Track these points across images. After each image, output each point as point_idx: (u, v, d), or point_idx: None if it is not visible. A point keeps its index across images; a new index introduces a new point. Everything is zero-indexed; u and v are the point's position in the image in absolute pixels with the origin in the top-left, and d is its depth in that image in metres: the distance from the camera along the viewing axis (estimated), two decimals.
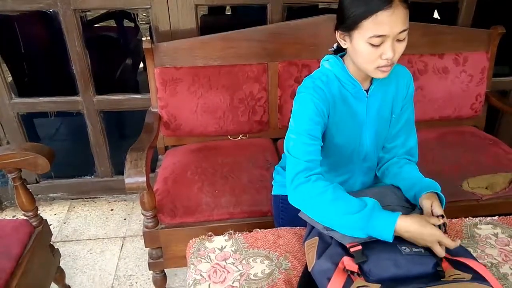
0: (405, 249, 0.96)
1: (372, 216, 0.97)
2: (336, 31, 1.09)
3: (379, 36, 0.98)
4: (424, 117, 1.97)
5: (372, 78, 1.13)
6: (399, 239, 1.00)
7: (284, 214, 1.38)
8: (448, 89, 1.94)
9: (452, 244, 0.95)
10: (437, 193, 1.09)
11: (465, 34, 1.93)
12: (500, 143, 1.92)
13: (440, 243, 0.95)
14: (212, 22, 2.63)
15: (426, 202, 1.05)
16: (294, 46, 1.80)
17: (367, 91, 1.15)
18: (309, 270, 1.03)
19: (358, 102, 1.16)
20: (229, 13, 2.97)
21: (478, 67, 1.94)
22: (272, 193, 1.45)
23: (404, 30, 0.99)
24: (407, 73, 1.21)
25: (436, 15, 2.77)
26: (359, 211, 0.98)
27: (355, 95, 1.15)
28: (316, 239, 1.07)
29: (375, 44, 1.00)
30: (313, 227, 1.11)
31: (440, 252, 0.95)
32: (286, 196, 1.15)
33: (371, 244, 0.98)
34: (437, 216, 1.01)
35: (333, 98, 1.13)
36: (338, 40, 1.10)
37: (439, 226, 0.98)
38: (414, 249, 0.96)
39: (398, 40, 1.01)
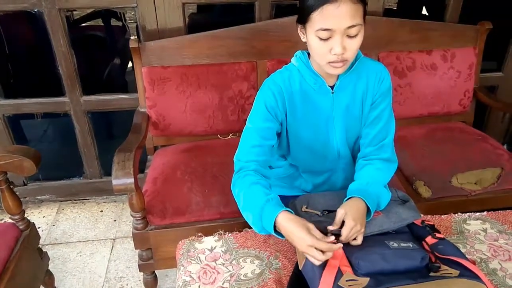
0: (393, 244, 0.98)
1: (263, 210, 1.02)
2: (297, 25, 1.10)
3: (325, 30, 0.99)
4: (413, 113, 1.98)
5: (339, 74, 1.13)
6: (386, 235, 1.00)
7: None
8: (436, 85, 1.95)
9: (334, 247, 0.95)
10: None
11: (452, 30, 1.94)
12: (489, 139, 1.93)
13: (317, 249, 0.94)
14: (201, 20, 2.61)
15: (340, 212, 1.03)
16: (282, 44, 1.79)
17: (333, 87, 1.15)
18: (300, 268, 1.03)
19: (322, 97, 1.16)
20: (218, 11, 2.95)
21: (466, 63, 1.95)
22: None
23: (353, 26, 0.98)
24: (382, 70, 1.19)
25: (424, 11, 2.79)
26: (255, 207, 1.04)
27: (317, 90, 1.15)
28: None
29: (323, 37, 1.00)
30: None
31: (316, 257, 0.93)
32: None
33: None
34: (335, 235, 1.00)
35: (291, 93, 1.15)
36: (299, 34, 1.10)
37: (336, 235, 0.99)
38: (402, 244, 0.98)
39: (349, 36, 1.00)
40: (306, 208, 1.12)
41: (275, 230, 1.01)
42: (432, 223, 1.11)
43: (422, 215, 1.18)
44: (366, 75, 1.17)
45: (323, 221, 1.05)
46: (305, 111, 1.17)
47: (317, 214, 1.09)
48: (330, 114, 1.18)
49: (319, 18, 0.98)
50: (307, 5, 1.00)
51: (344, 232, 0.99)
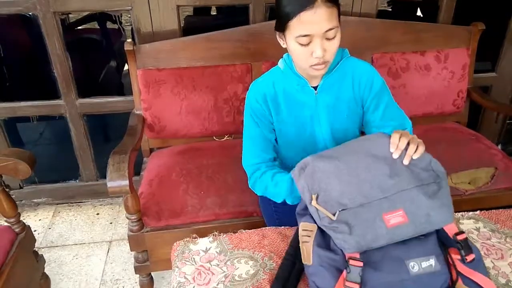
0: (413, 266, 0.87)
1: (293, 183, 1.10)
2: (275, 32, 1.14)
3: (305, 36, 1.03)
4: (407, 114, 1.93)
5: (323, 75, 1.17)
6: (408, 246, 0.89)
7: (279, 214, 1.37)
8: (430, 86, 1.96)
9: None
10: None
11: (446, 31, 1.96)
12: (482, 138, 1.94)
13: None
14: (196, 23, 2.62)
15: None
16: (276, 46, 1.77)
17: (316, 87, 1.19)
18: (303, 263, 0.95)
19: (306, 97, 1.20)
20: (214, 14, 2.96)
21: (459, 64, 1.96)
22: (258, 195, 1.44)
23: (331, 29, 1.03)
24: (368, 69, 1.22)
25: (419, 13, 2.80)
26: (283, 185, 1.16)
27: (300, 90, 1.19)
28: (314, 226, 0.94)
29: (303, 43, 1.05)
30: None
31: None
32: None
33: (375, 259, 0.88)
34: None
35: (275, 96, 1.20)
36: (278, 40, 1.14)
37: None
38: (423, 264, 0.87)
39: (328, 39, 1.05)
40: (317, 200, 0.92)
41: None
42: (465, 238, 0.91)
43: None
44: (352, 76, 1.20)
45: (336, 229, 0.88)
46: (289, 110, 1.21)
47: (330, 218, 0.89)
48: (314, 111, 1.21)
49: (297, 25, 1.02)
50: (284, 13, 1.04)
51: (393, 139, 0.97)
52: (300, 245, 0.96)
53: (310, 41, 1.03)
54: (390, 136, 0.99)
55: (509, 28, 2.11)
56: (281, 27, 1.07)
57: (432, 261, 0.87)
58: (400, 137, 0.97)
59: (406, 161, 0.95)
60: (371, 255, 0.88)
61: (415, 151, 0.96)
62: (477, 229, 1.26)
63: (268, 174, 1.21)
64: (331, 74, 1.17)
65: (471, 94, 2.04)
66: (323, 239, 0.94)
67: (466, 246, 0.89)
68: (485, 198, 1.65)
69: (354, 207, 0.90)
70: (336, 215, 0.89)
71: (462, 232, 0.91)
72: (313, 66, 1.08)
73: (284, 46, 1.13)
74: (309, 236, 0.94)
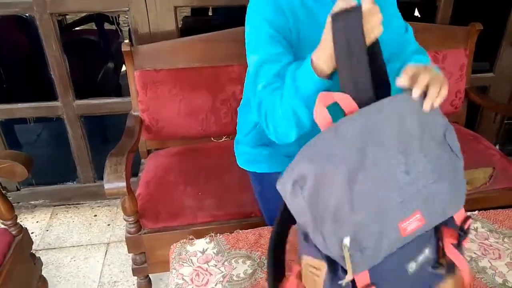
0: (412, 267, 0.78)
1: (296, 78, 0.87)
2: None
3: None
4: None
5: None
6: (404, 252, 0.76)
7: (269, 188, 1.28)
8: None
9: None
10: None
11: (443, 32, 1.96)
12: (480, 139, 1.95)
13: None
14: (194, 23, 2.62)
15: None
16: None
17: None
18: None
19: (322, 10, 0.97)
20: (211, 14, 2.96)
21: (457, 64, 1.96)
22: (248, 170, 1.31)
23: None
24: None
25: (416, 13, 2.81)
26: (292, 83, 0.88)
27: (320, 1, 0.98)
28: (323, 265, 0.75)
29: None
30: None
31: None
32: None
33: (384, 276, 0.75)
34: None
35: (292, 7, 0.98)
36: None
37: None
38: (419, 259, 0.78)
39: None
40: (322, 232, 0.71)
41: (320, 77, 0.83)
42: (469, 224, 0.81)
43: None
44: None
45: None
46: (307, 29, 0.98)
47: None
48: None
49: None
50: None
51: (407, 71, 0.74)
52: (303, 280, 0.81)
53: None
54: (407, 96, 0.76)
55: (507, 28, 2.11)
56: None
57: (426, 251, 0.78)
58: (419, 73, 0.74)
59: (426, 106, 0.75)
60: (380, 272, 0.73)
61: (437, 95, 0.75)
62: (475, 229, 1.26)
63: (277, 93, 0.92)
64: None
65: (469, 94, 2.04)
66: (332, 267, 0.75)
67: (467, 232, 0.79)
68: (483, 198, 1.65)
69: (368, 222, 0.70)
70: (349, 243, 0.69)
71: (468, 218, 0.80)
72: None
73: None
74: (318, 276, 0.77)
